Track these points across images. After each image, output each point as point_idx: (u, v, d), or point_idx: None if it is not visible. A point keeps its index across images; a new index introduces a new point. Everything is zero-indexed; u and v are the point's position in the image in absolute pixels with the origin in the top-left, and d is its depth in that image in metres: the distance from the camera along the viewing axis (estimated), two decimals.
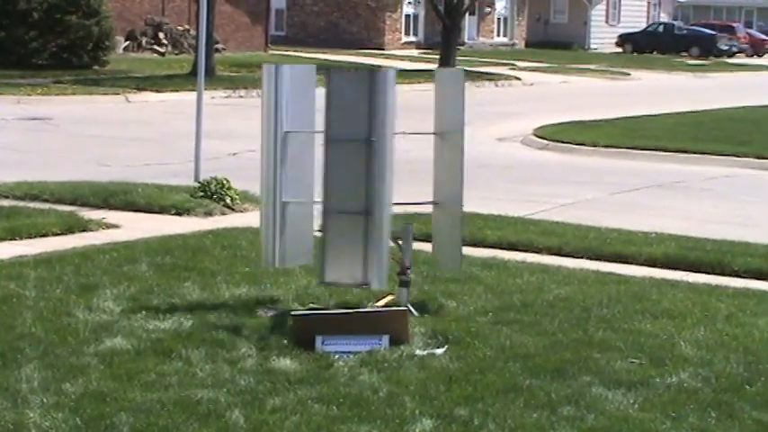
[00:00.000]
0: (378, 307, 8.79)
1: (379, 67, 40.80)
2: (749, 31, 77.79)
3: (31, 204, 13.42)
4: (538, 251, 11.81)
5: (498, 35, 67.08)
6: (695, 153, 21.46)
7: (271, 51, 50.13)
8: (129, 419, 6.55)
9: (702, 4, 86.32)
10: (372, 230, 8.74)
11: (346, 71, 8.92)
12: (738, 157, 21.11)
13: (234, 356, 7.75)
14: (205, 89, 16.12)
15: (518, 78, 42.74)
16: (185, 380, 7.26)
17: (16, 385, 7.04)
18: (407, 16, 61.15)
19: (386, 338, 8.05)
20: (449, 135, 9.07)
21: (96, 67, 36.38)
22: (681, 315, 9.18)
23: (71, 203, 13.63)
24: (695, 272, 11.16)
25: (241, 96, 30.92)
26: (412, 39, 60.99)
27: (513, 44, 66.78)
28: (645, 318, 9.06)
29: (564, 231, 12.70)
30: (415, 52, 57.26)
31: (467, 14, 50.42)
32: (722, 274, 11.13)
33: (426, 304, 9.14)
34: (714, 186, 18.07)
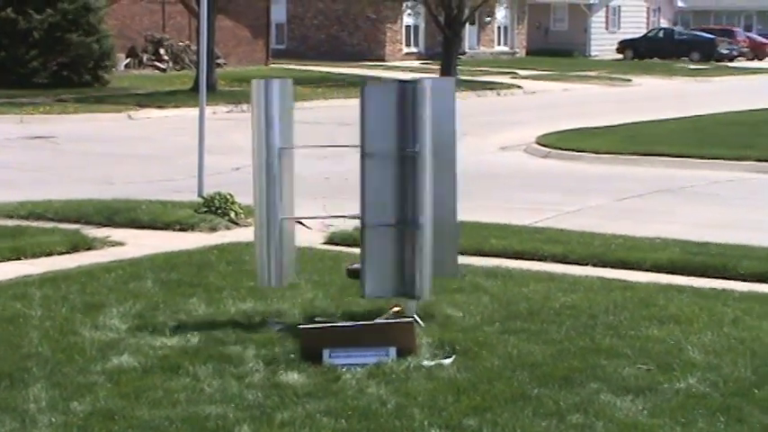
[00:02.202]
0: (384, 319, 8.78)
1: (379, 78, 40.86)
2: (749, 34, 77.72)
3: (36, 223, 13.44)
4: (543, 259, 11.80)
5: (499, 44, 67.11)
6: (698, 158, 21.43)
7: (272, 65, 50.19)
8: None
9: (702, 9, 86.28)
10: (416, 242, 8.68)
11: (380, 84, 8.85)
12: (741, 161, 21.08)
13: (241, 371, 7.74)
14: (207, 104, 16.12)
15: (519, 87, 42.74)
16: (193, 396, 7.25)
17: (24, 405, 7.04)
18: (408, 27, 61.19)
19: (393, 350, 8.04)
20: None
21: (97, 85, 36.41)
22: (687, 320, 9.17)
23: (75, 222, 13.64)
24: (701, 276, 11.16)
25: (243, 111, 30.86)
26: (413, 50, 61.04)
27: (513, 53, 66.83)
28: (652, 324, 9.05)
29: (569, 239, 12.69)
30: (416, 63, 57.31)
31: (467, 24, 50.44)
32: (728, 278, 11.11)
33: (433, 315, 9.13)
34: (717, 191, 18.06)
